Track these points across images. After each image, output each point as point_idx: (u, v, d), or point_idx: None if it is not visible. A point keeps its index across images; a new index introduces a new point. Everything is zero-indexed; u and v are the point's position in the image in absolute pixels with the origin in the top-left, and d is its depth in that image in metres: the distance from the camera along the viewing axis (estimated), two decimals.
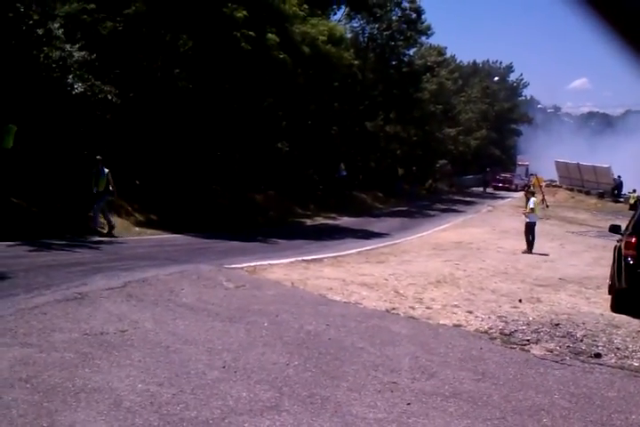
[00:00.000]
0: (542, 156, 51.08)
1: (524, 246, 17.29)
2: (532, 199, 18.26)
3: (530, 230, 17.38)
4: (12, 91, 15.03)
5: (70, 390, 4.41)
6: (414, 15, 38.09)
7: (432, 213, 33.36)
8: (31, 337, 5.53)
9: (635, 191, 36.31)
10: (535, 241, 17.45)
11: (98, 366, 4.98)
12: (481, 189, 56.16)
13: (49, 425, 3.87)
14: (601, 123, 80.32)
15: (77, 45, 17.31)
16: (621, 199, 39.35)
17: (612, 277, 10.45)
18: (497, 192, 53.40)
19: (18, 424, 3.84)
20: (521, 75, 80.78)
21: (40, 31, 15.86)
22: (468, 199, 44.63)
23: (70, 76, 16.43)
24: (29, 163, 15.29)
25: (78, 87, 16.37)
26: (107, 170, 15.10)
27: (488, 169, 58.92)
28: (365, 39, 38.19)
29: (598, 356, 6.75)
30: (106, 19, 19.14)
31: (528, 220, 17.64)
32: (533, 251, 17.05)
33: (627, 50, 1.14)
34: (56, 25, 16.74)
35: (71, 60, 16.62)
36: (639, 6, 1.12)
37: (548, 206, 30.77)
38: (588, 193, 42.24)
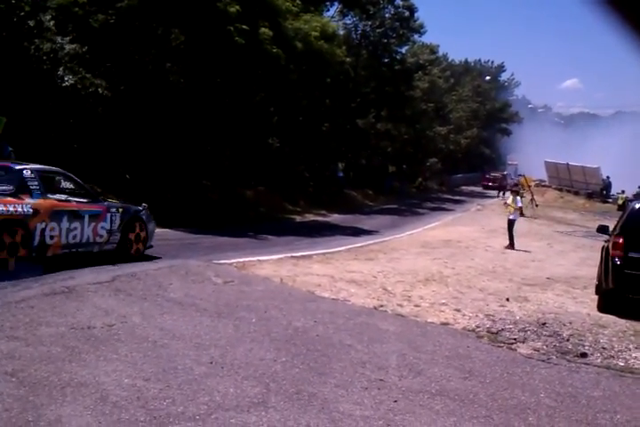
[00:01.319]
0: (532, 155, 51.26)
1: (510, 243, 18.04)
2: (518, 198, 19.13)
3: (511, 227, 18.20)
4: (1, 82, 14.93)
5: (56, 385, 4.39)
6: (407, 13, 38.11)
7: (422, 211, 33.47)
8: (18, 331, 5.49)
9: (623, 192, 36.54)
10: (519, 239, 18.24)
11: (84, 360, 4.95)
12: (471, 187, 56.30)
13: (34, 420, 3.85)
14: (590, 123, 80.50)
15: (68, 38, 17.24)
16: (610, 200, 39.59)
17: (599, 278, 10.51)
18: (486, 191, 53.62)
19: (3, 418, 3.82)
20: (512, 74, 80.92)
21: (31, 23, 15.78)
22: (458, 198, 44.81)
23: (61, 69, 16.37)
24: (17, 155, 15.18)
25: (69, 80, 16.30)
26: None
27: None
28: (358, 36, 38.19)
29: (584, 355, 6.79)
30: (97, 11, 19.03)
31: (512, 217, 18.44)
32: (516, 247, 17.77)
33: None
34: (47, 17, 16.66)
35: (62, 53, 16.56)
36: None
37: (537, 206, 30.90)
38: (576, 193, 42.49)
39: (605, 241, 11.22)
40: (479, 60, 72.89)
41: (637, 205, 10.22)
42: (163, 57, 20.88)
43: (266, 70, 20.89)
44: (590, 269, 12.62)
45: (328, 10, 35.06)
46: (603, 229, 11.76)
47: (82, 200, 9.51)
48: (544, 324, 7.98)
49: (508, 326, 7.74)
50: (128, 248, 10.30)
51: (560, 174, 45.54)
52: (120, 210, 10.20)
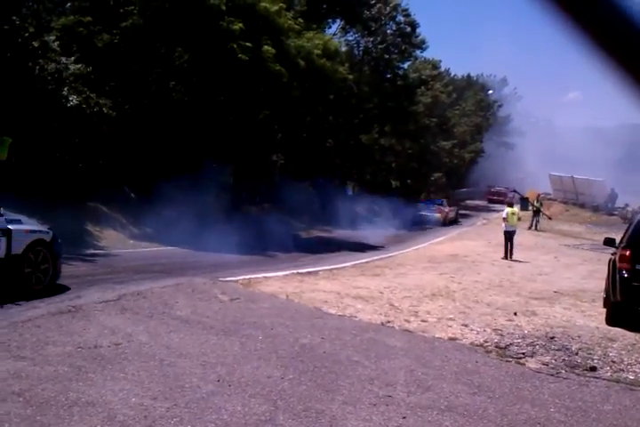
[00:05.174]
0: (536, 168, 51.15)
1: (517, 258, 18.35)
2: (507, 209, 19.47)
3: (508, 238, 18.69)
4: (6, 103, 15.03)
5: (63, 404, 4.37)
6: (409, 29, 38.33)
7: (427, 225, 33.39)
8: (25, 350, 5.49)
9: (627, 206, 36.36)
10: (526, 253, 18.74)
11: (91, 379, 4.94)
12: (476, 202, 56.30)
13: None
14: (593, 135, 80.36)
15: (73, 58, 17.38)
16: (615, 212, 39.41)
17: (606, 291, 10.45)
18: (491, 205, 53.49)
19: None
20: (515, 88, 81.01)
21: (35, 44, 15.91)
22: (463, 212, 44.70)
23: (65, 89, 16.47)
24: (24, 174, 15.25)
25: (73, 100, 16.40)
26: None
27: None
28: (360, 52, 38.39)
29: (594, 369, 6.74)
30: (102, 31, 19.22)
31: (505, 229, 18.93)
32: (514, 257, 18.28)
33: (610, 65, 1.14)
34: (52, 37, 16.82)
35: (66, 73, 16.67)
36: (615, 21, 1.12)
37: (550, 218, 30.87)
38: (582, 206, 42.31)
39: (612, 254, 11.16)
40: (482, 75, 73.10)
41: None
42: (167, 75, 21.02)
43: (269, 88, 21.01)
44: (598, 282, 12.56)
45: (330, 27, 35.43)
46: (609, 242, 11.69)
47: None
48: (552, 338, 7.93)
49: (516, 341, 7.69)
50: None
51: (565, 187, 45.36)
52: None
